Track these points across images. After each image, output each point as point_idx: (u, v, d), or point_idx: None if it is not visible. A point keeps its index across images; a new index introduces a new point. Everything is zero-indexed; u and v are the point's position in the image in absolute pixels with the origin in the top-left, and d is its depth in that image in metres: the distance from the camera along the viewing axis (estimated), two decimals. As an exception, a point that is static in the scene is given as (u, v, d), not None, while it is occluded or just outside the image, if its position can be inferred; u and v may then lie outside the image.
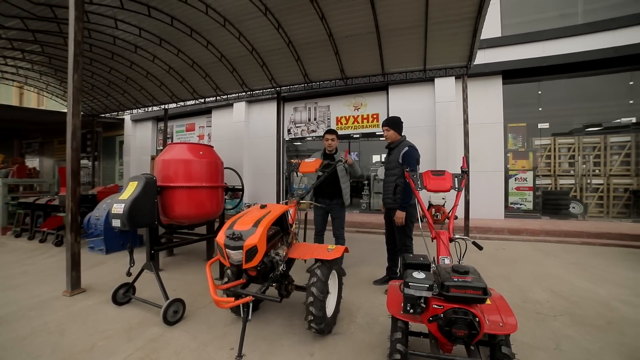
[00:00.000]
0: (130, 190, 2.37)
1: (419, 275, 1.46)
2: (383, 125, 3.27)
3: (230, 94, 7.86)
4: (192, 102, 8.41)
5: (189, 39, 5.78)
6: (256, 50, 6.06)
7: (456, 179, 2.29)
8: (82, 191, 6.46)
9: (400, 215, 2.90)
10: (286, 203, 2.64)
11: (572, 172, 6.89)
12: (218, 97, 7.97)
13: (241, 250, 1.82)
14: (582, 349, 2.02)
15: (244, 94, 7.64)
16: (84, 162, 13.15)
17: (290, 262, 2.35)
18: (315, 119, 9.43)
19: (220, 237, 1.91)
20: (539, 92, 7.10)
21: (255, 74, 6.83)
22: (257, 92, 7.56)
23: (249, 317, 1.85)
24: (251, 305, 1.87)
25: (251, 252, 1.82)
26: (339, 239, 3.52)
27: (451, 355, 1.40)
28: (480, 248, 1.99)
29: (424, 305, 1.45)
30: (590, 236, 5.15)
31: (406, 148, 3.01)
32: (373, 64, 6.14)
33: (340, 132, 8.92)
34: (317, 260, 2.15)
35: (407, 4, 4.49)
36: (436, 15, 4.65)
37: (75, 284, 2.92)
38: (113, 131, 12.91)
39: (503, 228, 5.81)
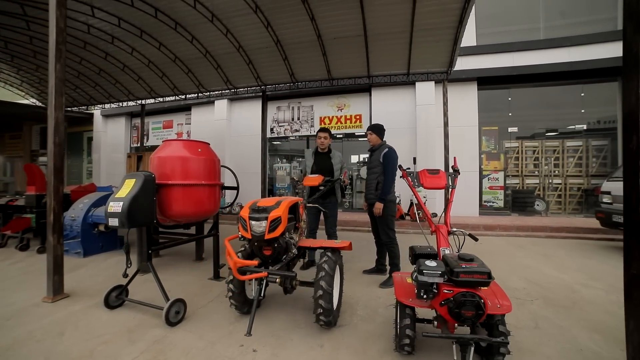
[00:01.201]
0: (127, 187, 2.28)
1: (431, 263, 1.59)
2: (368, 130, 3.56)
3: (213, 91, 7.66)
4: (171, 98, 8.08)
5: (173, 33, 5.57)
6: (243, 47, 5.98)
7: (450, 177, 2.48)
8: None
9: (378, 206, 3.19)
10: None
11: (536, 172, 7.58)
12: (200, 94, 7.73)
13: (265, 221, 1.97)
14: (556, 326, 2.29)
15: (227, 91, 7.48)
16: (43, 159, 12.08)
17: (296, 256, 2.41)
18: (298, 119, 9.46)
19: (245, 212, 2.06)
20: (509, 99, 7.72)
21: (241, 71, 6.73)
22: (242, 90, 7.44)
23: (262, 295, 1.90)
24: (264, 283, 1.99)
25: (275, 223, 1.98)
26: (332, 237, 3.62)
27: (459, 334, 1.53)
28: (475, 239, 2.17)
29: (436, 291, 1.58)
30: (553, 230, 5.71)
31: (386, 149, 3.33)
32: (359, 66, 6.32)
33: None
34: (323, 255, 2.21)
35: (395, 10, 4.69)
36: (421, 23, 4.91)
37: (57, 289, 2.72)
38: (80, 126, 11.98)
39: (479, 224, 6.24)
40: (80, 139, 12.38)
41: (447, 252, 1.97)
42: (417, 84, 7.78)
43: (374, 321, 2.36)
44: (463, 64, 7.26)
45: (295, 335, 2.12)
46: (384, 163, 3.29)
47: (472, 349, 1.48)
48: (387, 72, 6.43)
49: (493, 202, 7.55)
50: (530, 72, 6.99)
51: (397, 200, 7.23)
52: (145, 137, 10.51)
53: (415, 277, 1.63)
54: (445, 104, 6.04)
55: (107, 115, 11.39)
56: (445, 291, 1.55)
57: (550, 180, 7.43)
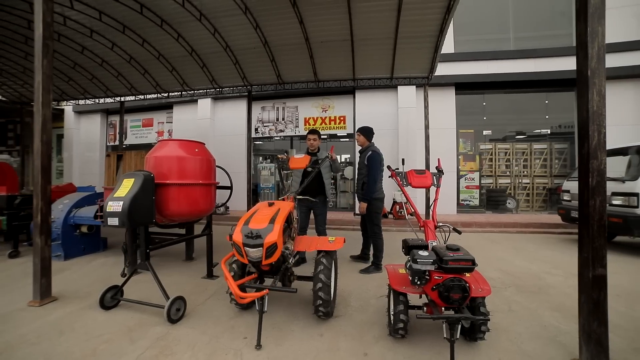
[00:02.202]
0: (126, 187, 2.28)
1: (423, 253, 1.78)
2: (357, 131, 3.84)
3: (198, 90, 7.54)
4: (153, 95, 7.84)
5: (158, 30, 5.46)
6: (230, 47, 5.97)
7: (435, 177, 2.70)
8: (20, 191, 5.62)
9: (362, 206, 3.56)
10: (283, 199, 2.76)
11: (508, 173, 8.18)
12: (184, 93, 7.58)
13: (261, 248, 1.91)
14: (526, 308, 2.59)
15: (212, 90, 7.39)
16: (3, 157, 11.21)
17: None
18: (283, 119, 9.52)
19: (238, 237, 1.97)
20: (484, 104, 8.27)
21: (227, 71, 6.70)
22: (227, 89, 7.39)
23: (265, 309, 1.97)
24: (267, 297, 1.97)
25: (271, 249, 1.93)
26: (322, 234, 3.76)
27: (448, 314, 1.73)
28: (459, 233, 2.39)
29: (428, 278, 1.77)
30: (522, 226, 6.23)
31: (370, 152, 3.61)
32: (344, 69, 6.51)
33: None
34: (319, 252, 2.34)
35: (381, 18, 4.92)
36: (404, 31, 5.17)
37: (45, 293, 2.65)
38: (48, 123, 11.23)
39: (457, 222, 6.64)
40: (48, 137, 11.60)
41: (434, 244, 2.18)
42: (399, 88, 8.12)
43: (366, 311, 2.53)
44: (442, 70, 7.67)
45: (295, 326, 2.24)
46: (367, 165, 3.57)
47: (459, 326, 1.68)
48: (371, 75, 6.68)
49: (469, 201, 8.05)
50: (502, 79, 7.54)
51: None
52: (124, 135, 10.06)
53: (409, 266, 1.82)
54: (426, 107, 6.39)
55: (80, 112, 10.79)
56: (436, 277, 1.74)
57: (520, 180, 8.05)
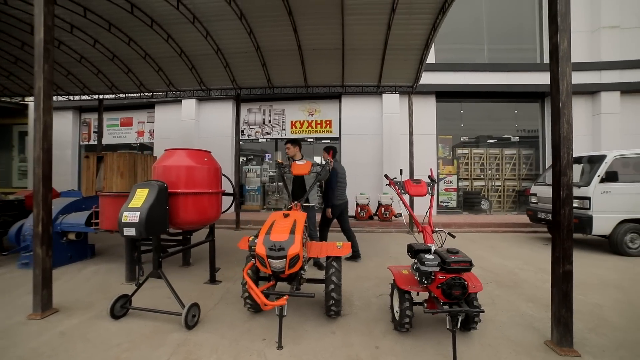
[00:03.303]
0: (141, 197, 2.31)
1: (429, 256, 2.04)
2: (324, 149, 4.43)
3: (184, 91, 7.38)
4: (135, 95, 7.55)
5: (147, 30, 5.31)
6: (221, 50, 5.95)
7: (429, 186, 2.99)
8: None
9: (328, 212, 4.26)
10: (290, 208, 2.90)
11: (482, 176, 8.86)
12: (169, 93, 7.39)
13: (284, 260, 2.04)
14: (506, 301, 2.96)
15: (201, 92, 7.28)
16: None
17: None
18: (270, 122, 9.56)
19: (261, 249, 2.08)
20: (462, 111, 8.88)
21: (216, 73, 6.65)
22: (215, 91, 7.31)
23: (285, 313, 2.11)
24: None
25: (294, 260, 2.07)
26: (313, 238, 3.93)
27: (451, 309, 1.98)
28: (453, 237, 2.69)
29: (433, 277, 2.02)
30: (496, 226, 6.83)
31: (328, 167, 4.22)
32: (334, 76, 6.73)
33: (294, 136, 9.31)
34: (329, 256, 2.53)
35: (373, 31, 5.19)
36: (393, 43, 5.48)
37: (46, 305, 2.59)
38: (8, 118, 10.36)
39: (437, 222, 7.11)
40: (8, 133, 10.71)
41: (432, 248, 2.45)
42: (384, 95, 8.48)
43: (370, 309, 2.76)
44: (424, 79, 8.08)
45: (308, 326, 2.41)
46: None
47: (460, 318, 1.95)
48: (359, 83, 6.96)
49: (448, 203, 8.63)
50: (478, 89, 8.17)
51: (367, 202, 7.87)
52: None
53: (417, 268, 2.06)
54: (410, 115, 6.77)
55: (47, 108, 10.05)
56: (440, 277, 2.00)
57: (492, 183, 8.76)
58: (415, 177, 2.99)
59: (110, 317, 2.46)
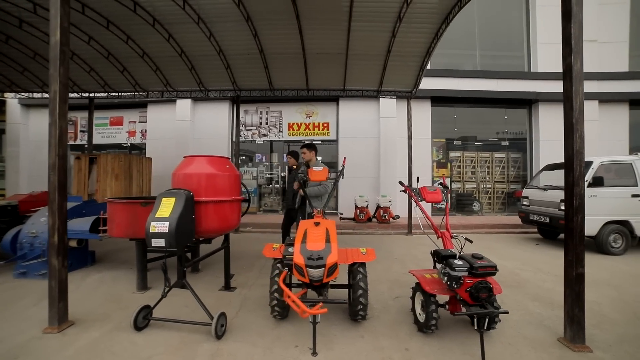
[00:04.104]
0: (168, 206, 2.27)
1: (458, 262, 2.15)
2: (287, 154, 4.61)
3: (181, 91, 7.22)
4: (129, 94, 7.30)
5: (147, 29, 5.17)
6: (223, 52, 5.88)
7: (443, 194, 3.12)
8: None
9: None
10: (313, 215, 2.94)
11: (473, 178, 9.22)
12: (166, 93, 7.19)
13: (323, 269, 2.10)
14: (514, 300, 3.14)
15: (199, 93, 7.14)
16: None
17: None
18: (267, 123, 9.50)
19: (299, 259, 2.13)
20: (455, 116, 9.20)
21: (216, 74, 6.56)
22: (214, 92, 7.20)
23: (318, 320, 2.15)
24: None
25: (332, 269, 2.14)
26: None
27: (478, 311, 2.09)
28: (470, 242, 2.82)
29: (462, 282, 2.13)
30: (489, 227, 7.15)
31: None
32: (335, 80, 6.82)
33: (291, 138, 9.32)
34: (354, 263, 2.59)
35: (378, 38, 5.32)
36: (396, 50, 5.63)
37: (62, 317, 2.49)
38: (-16, 116, 9.71)
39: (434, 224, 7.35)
40: (-17, 132, 10.02)
41: (457, 253, 2.57)
42: (381, 99, 8.65)
43: (390, 312, 2.85)
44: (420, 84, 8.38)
45: (335, 331, 2.46)
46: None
47: (487, 319, 2.07)
48: (360, 87, 7.07)
49: (442, 204, 8.90)
50: (470, 95, 8.50)
51: (366, 204, 8.00)
52: (87, 134, 9.08)
53: (446, 272, 2.17)
54: (409, 120, 6.95)
55: (28, 105, 9.51)
56: (468, 281, 2.12)
57: (483, 185, 9.14)
58: (441, 188, 3.11)
59: (133, 328, 2.40)
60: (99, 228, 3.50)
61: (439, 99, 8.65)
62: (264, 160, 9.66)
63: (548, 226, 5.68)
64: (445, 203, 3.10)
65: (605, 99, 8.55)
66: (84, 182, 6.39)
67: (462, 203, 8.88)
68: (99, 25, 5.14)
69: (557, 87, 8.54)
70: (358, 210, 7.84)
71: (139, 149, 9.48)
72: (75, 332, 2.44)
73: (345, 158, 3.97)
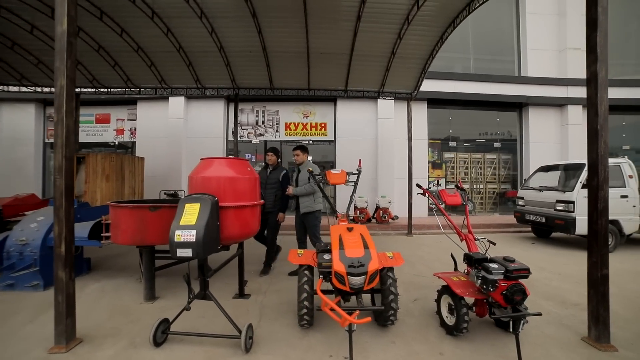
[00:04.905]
0: (193, 213, 2.12)
1: (494, 265, 2.16)
2: (268, 152, 4.18)
3: (176, 88, 6.91)
4: (119, 90, 6.90)
5: (144, 21, 4.89)
6: (224, 48, 5.68)
7: (462, 195, 3.15)
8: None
9: (280, 216, 3.99)
10: (337, 217, 2.88)
11: (466, 179, 9.46)
12: (159, 90, 6.86)
13: (365, 276, 2.05)
14: (527, 301, 3.09)
15: (196, 90, 6.87)
16: None
17: None
18: (263, 123, 9.31)
19: (340, 266, 2.07)
20: (450, 118, 9.39)
21: (215, 71, 6.34)
22: (211, 90, 6.94)
23: (354, 328, 2.09)
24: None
25: (374, 276, 2.09)
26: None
27: (512, 314, 2.11)
28: (494, 244, 2.85)
29: (497, 285, 2.14)
30: (484, 227, 7.35)
31: (284, 171, 4.07)
32: (338, 80, 6.76)
33: (289, 138, 9.18)
34: (383, 267, 2.55)
35: (384, 39, 5.31)
36: (400, 52, 5.65)
37: (70, 335, 2.27)
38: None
39: (432, 224, 7.48)
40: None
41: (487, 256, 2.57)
42: (379, 99, 8.68)
43: (413, 315, 2.83)
44: (417, 86, 8.50)
45: (366, 337, 2.41)
46: (281, 182, 4.00)
47: (523, 321, 2.09)
48: (361, 88, 7.05)
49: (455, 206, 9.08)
50: (465, 98, 8.71)
51: (365, 205, 8.02)
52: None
53: (482, 276, 2.18)
54: (409, 121, 7.01)
55: (0, 99, 8.79)
56: (502, 284, 2.13)
57: (476, 185, 9.40)
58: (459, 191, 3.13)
59: (152, 344, 2.24)
60: (102, 235, 3.26)
61: (435, 101, 8.81)
62: (253, 159, 9.44)
63: (543, 226, 5.91)
64: (464, 205, 3.12)
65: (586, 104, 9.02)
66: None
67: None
68: (91, 16, 4.80)
69: (545, 91, 8.94)
70: (357, 211, 7.84)
71: (126, 147, 9.01)
72: (86, 350, 2.24)
73: (360, 160, 3.93)
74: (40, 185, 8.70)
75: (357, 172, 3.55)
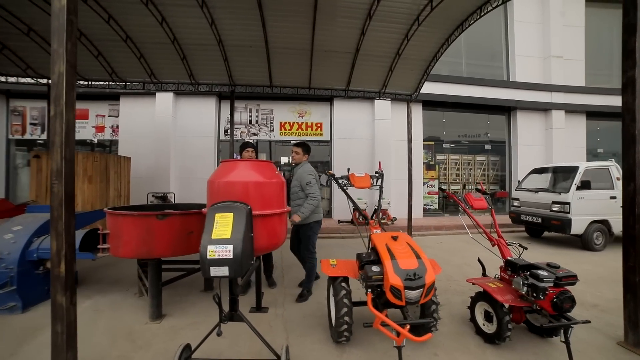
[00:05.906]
0: (226, 224, 1.85)
1: (544, 272, 2.09)
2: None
3: (166, 83, 6.41)
4: (103, 83, 6.28)
5: (137, 9, 4.43)
6: (223, 42, 5.32)
7: (487, 199, 3.10)
8: None
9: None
10: (368, 223, 2.72)
11: (458, 180, 9.67)
12: (148, 85, 6.33)
13: (422, 289, 1.90)
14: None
15: (189, 86, 6.41)
16: None
17: None
18: (257, 122, 8.95)
19: (396, 280, 1.90)
20: (444, 120, 9.55)
21: (210, 66, 5.95)
22: (205, 87, 6.52)
23: (404, 343, 1.93)
24: None
25: (430, 288, 1.95)
26: (307, 262, 3.42)
27: (563, 322, 2.06)
28: (525, 249, 2.81)
29: (547, 292, 2.07)
30: (475, 227, 7.50)
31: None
32: (339, 80, 6.59)
33: (284, 138, 8.91)
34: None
35: (391, 39, 5.21)
36: (405, 53, 5.58)
37: (72, 368, 1.93)
38: None
39: (430, 225, 7.54)
40: None
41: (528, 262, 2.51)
42: (376, 100, 8.62)
43: (444, 323, 2.74)
44: (414, 88, 8.54)
45: (407, 351, 2.25)
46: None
47: (572, 330, 2.04)
48: (362, 88, 6.94)
49: (430, 205, 9.20)
50: (458, 101, 8.88)
51: (365, 207, 7.91)
52: (39, 127, 7.67)
53: (531, 284, 2.10)
54: (409, 122, 6.99)
55: (-44, 91, 7.75)
56: (551, 291, 2.07)
57: (467, 186, 9.63)
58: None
59: (176, 374, 1.94)
60: (98, 247, 2.85)
61: (430, 103, 8.91)
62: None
63: (539, 226, 6.11)
64: (490, 209, 3.07)
65: (569, 109, 9.55)
66: (45, 185, 5.32)
67: (448, 204, 9.26)
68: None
69: (532, 96, 9.34)
70: (357, 213, 7.70)
71: (104, 146, 8.28)
72: (93, 386, 1.90)
73: (380, 162, 3.79)
74: (2, 188, 7.76)
75: (378, 174, 3.42)
